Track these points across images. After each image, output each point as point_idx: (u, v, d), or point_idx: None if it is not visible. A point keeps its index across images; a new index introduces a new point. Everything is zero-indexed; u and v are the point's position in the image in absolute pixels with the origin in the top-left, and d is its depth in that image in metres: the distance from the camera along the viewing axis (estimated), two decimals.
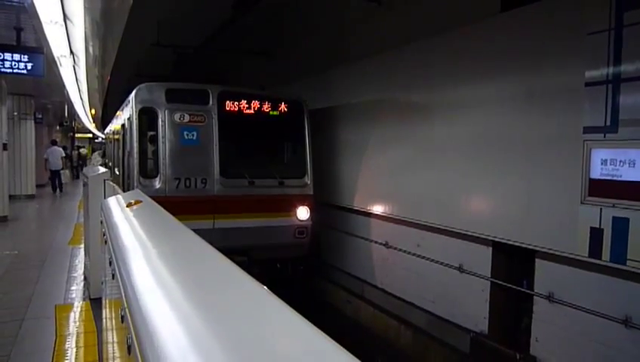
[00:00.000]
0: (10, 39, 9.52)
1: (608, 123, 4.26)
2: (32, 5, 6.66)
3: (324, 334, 0.95)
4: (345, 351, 0.86)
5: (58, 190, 20.55)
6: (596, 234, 4.35)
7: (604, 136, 4.31)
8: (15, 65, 9.64)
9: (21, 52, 9.66)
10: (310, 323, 1.00)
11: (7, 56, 9.57)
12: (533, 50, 5.07)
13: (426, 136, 6.66)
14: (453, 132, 6.17)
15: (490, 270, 5.73)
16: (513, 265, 5.63)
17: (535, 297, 5.17)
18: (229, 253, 1.81)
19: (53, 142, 22.44)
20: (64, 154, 22.60)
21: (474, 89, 5.87)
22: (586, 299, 4.58)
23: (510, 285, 5.52)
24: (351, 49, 8.68)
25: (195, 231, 2.17)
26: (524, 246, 5.13)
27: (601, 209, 4.33)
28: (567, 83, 4.71)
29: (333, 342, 0.90)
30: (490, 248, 5.71)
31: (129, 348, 1.29)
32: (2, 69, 9.67)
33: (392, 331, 7.18)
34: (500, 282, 5.61)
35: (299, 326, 1.00)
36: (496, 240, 5.51)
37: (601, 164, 4.32)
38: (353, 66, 8.46)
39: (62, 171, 21.43)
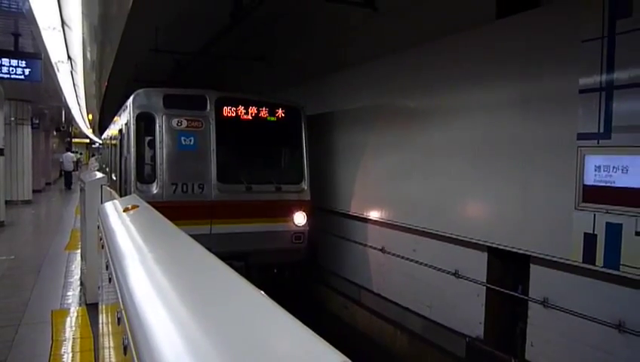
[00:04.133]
0: (8, 45, 9.56)
1: (602, 129, 4.29)
2: (31, 11, 6.69)
3: (320, 338, 0.95)
4: (342, 355, 0.86)
5: (67, 186, 26.12)
6: (590, 239, 4.37)
7: (598, 143, 4.33)
8: (13, 70, 9.68)
9: (19, 57, 9.70)
10: (307, 327, 1.00)
11: (5, 61, 9.62)
12: (528, 57, 5.11)
13: (422, 142, 6.69)
14: (449, 138, 6.20)
15: (485, 275, 5.75)
16: (508, 270, 5.65)
17: (530, 302, 5.18)
18: (226, 258, 1.83)
19: (68, 149, 30.33)
20: (75, 159, 28.82)
21: (469, 95, 5.90)
22: (580, 304, 4.60)
23: (505, 290, 5.54)
24: (348, 54, 8.72)
25: (192, 236, 2.18)
26: (519, 251, 5.16)
27: (594, 215, 4.35)
28: (561, 90, 4.74)
29: (330, 346, 0.91)
30: (486, 253, 5.73)
31: (125, 349, 1.31)
32: (0, 75, 9.69)
33: (389, 336, 7.18)
34: (496, 287, 5.63)
35: (295, 330, 1.01)
36: (492, 245, 5.54)
37: (595, 170, 4.34)
38: (350, 72, 8.49)
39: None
